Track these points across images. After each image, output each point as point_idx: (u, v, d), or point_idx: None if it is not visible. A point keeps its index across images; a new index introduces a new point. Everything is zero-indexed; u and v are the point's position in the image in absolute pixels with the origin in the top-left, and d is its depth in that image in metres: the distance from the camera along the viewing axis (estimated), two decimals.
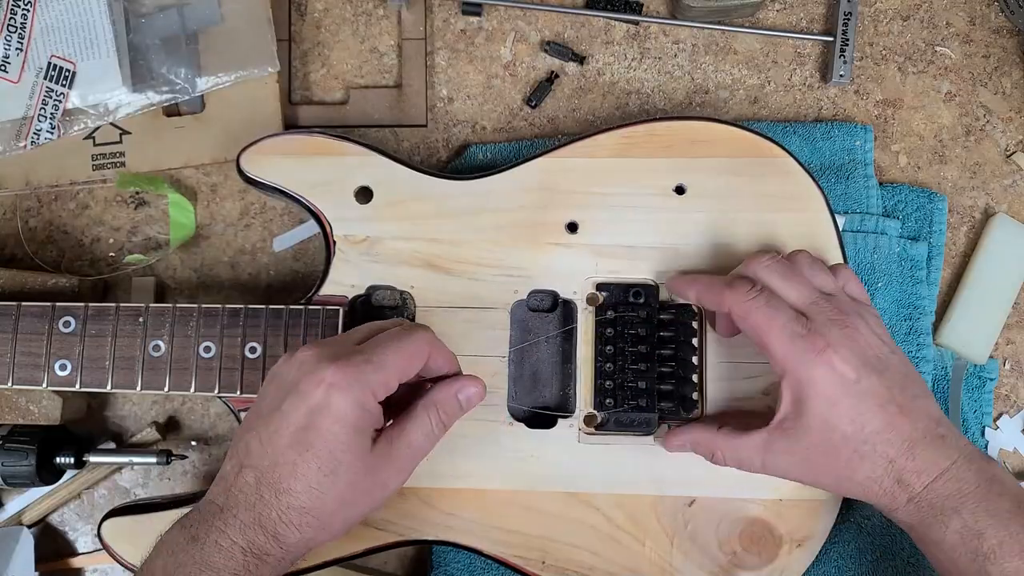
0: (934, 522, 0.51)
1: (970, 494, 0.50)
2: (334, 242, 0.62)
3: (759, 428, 0.54)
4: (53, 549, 0.69)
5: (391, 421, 0.52)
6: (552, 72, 0.71)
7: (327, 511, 0.48)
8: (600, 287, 0.61)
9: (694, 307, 0.61)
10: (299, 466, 0.47)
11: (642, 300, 0.60)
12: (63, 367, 0.60)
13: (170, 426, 0.70)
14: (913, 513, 0.52)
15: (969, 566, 0.50)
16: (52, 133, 0.67)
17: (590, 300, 0.61)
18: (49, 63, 0.67)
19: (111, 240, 0.71)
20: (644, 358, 0.59)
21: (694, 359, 0.60)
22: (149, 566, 0.48)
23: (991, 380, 0.68)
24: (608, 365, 0.60)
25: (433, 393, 0.53)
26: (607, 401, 0.60)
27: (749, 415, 0.59)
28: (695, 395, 0.60)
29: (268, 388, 0.51)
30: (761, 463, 0.54)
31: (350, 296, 0.61)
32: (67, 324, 0.60)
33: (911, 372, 0.54)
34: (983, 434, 0.68)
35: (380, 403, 0.50)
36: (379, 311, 0.63)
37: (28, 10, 0.66)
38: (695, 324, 0.61)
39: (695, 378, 0.60)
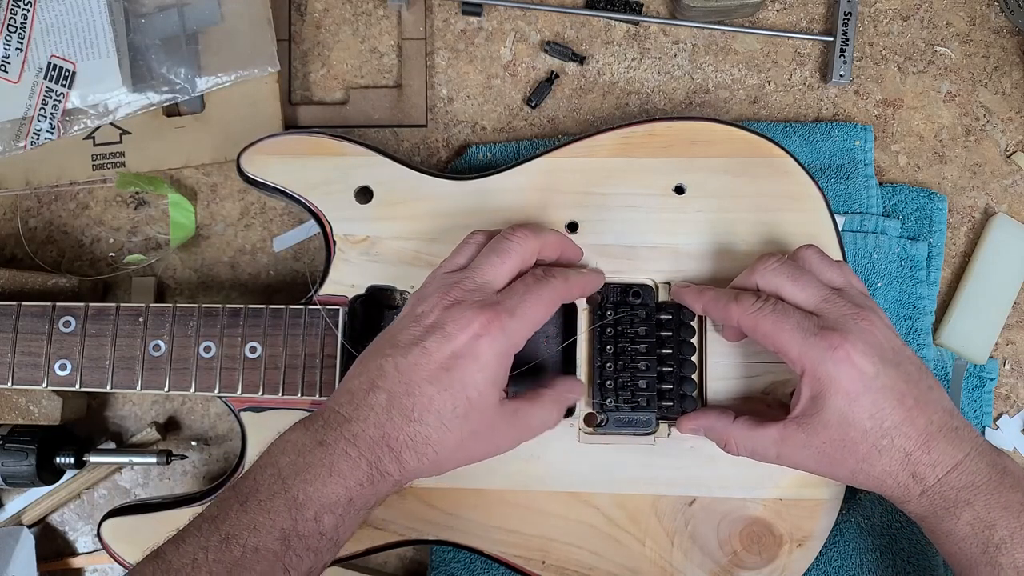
0: (946, 514, 0.51)
1: (982, 486, 0.50)
2: (334, 242, 0.62)
3: (775, 421, 0.54)
4: (53, 549, 0.69)
5: (520, 392, 0.56)
6: (552, 72, 0.71)
7: (447, 448, 0.50)
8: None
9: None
10: (435, 400, 0.49)
11: (640, 300, 0.60)
12: (63, 367, 0.60)
13: (170, 426, 0.70)
14: (925, 505, 0.52)
15: (980, 557, 0.50)
16: (52, 133, 0.67)
17: (590, 300, 0.61)
18: (49, 63, 0.67)
19: (111, 240, 0.71)
20: (643, 357, 0.60)
21: (693, 358, 0.60)
22: (274, 460, 0.49)
23: (991, 380, 0.68)
24: (608, 365, 0.60)
25: (562, 390, 0.57)
26: (607, 401, 0.60)
27: (761, 408, 0.59)
28: (694, 393, 0.60)
29: (405, 320, 0.52)
30: (776, 455, 0.54)
31: (350, 296, 0.61)
32: (67, 324, 0.60)
33: (922, 364, 0.54)
34: (983, 434, 0.68)
35: None
36: (379, 311, 0.63)
37: (28, 10, 0.66)
38: (693, 324, 0.61)
39: (694, 377, 0.60)
